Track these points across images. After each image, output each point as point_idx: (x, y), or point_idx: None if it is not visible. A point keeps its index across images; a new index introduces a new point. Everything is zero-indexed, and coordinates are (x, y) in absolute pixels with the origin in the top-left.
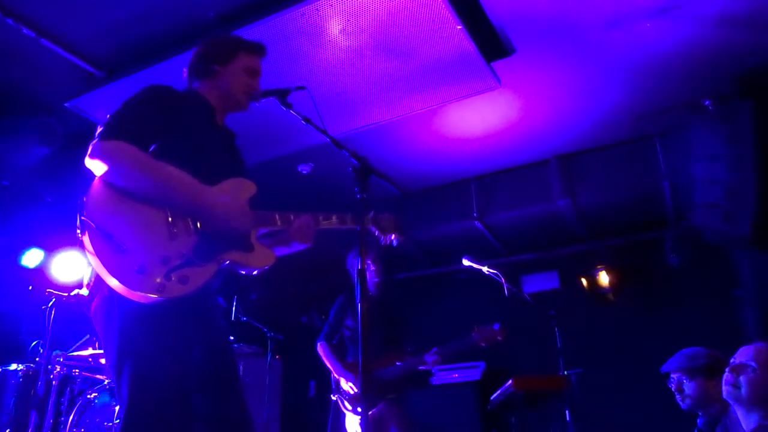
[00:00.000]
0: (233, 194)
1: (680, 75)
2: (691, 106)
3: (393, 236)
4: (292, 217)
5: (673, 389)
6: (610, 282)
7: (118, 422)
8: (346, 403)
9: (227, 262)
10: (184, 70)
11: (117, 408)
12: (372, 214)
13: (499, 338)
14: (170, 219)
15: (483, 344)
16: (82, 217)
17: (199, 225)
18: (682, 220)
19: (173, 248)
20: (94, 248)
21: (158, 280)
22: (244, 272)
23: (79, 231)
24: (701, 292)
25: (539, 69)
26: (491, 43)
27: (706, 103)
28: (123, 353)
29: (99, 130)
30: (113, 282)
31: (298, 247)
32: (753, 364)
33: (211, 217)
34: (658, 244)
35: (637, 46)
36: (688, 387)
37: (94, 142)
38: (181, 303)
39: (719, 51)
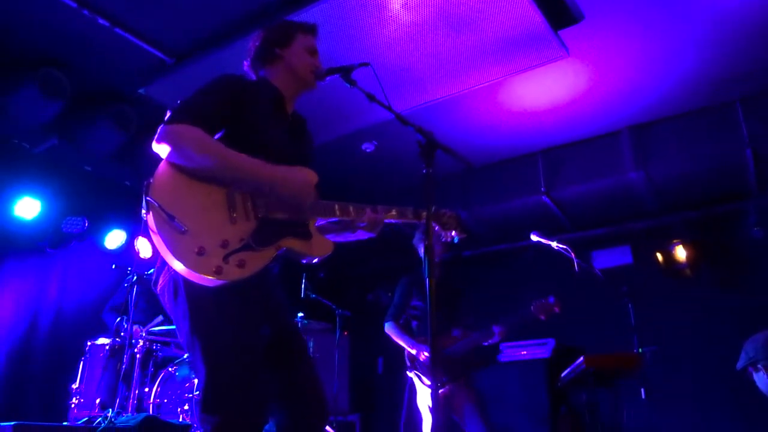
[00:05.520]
0: (300, 172)
1: (763, 36)
2: None
3: (454, 233)
4: (351, 208)
5: (759, 384)
6: (687, 257)
7: (198, 393)
8: (423, 378)
9: (284, 248)
10: (245, 63)
11: (196, 380)
12: (434, 209)
13: (556, 310)
14: (231, 205)
15: (542, 317)
16: (147, 198)
17: (259, 212)
18: (766, 190)
19: (233, 233)
20: (157, 228)
21: (216, 262)
22: (304, 261)
23: (144, 211)
24: None
25: (609, 35)
26: (558, 11)
27: None
28: (193, 332)
29: (167, 115)
30: (173, 261)
31: (363, 236)
32: None
33: (272, 187)
34: (740, 217)
35: (716, 5)
36: None
37: (160, 126)
38: (244, 285)
39: None
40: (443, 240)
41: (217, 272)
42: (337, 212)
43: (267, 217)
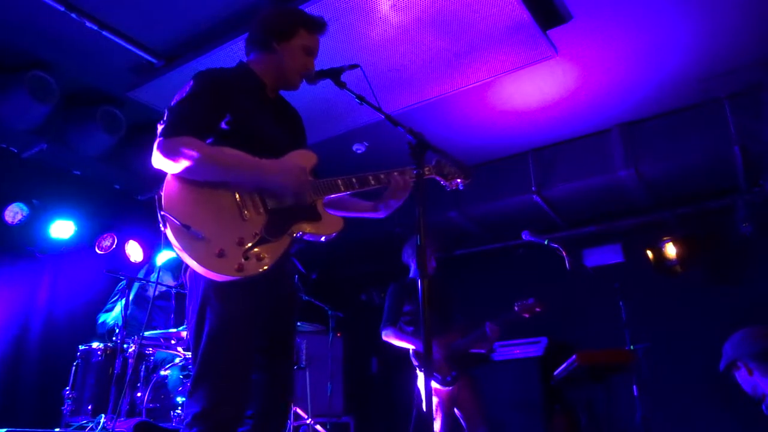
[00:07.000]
0: (293, 162)
1: (750, 32)
2: (763, 65)
3: (459, 180)
4: (354, 181)
5: (741, 383)
6: (677, 253)
7: (190, 382)
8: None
9: (298, 233)
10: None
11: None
12: (434, 162)
13: (537, 309)
14: (240, 204)
15: (526, 315)
16: (162, 213)
17: (267, 205)
18: (754, 186)
19: (246, 230)
20: (176, 239)
21: (237, 260)
22: (311, 239)
23: (161, 225)
24: None
25: (598, 35)
26: (546, 11)
27: None
28: (199, 323)
29: (159, 129)
30: (197, 266)
31: (395, 205)
32: None
33: (271, 184)
34: (729, 213)
35: (703, 3)
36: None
37: (157, 141)
38: (257, 278)
39: None
40: (449, 189)
41: (240, 269)
42: (341, 187)
43: (276, 208)
